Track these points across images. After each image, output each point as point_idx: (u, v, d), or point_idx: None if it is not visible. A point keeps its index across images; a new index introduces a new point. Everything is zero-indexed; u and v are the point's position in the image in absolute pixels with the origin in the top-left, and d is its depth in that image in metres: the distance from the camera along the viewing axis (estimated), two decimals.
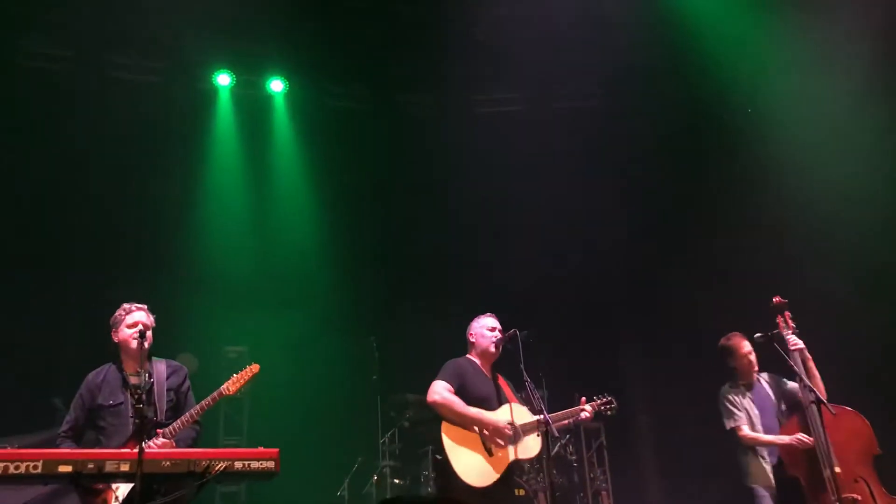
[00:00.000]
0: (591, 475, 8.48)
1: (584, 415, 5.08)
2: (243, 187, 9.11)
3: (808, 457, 4.94)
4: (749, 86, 8.38)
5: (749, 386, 5.53)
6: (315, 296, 8.83)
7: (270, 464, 3.78)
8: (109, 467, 3.57)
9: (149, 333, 4.43)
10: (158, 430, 4.30)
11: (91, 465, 3.55)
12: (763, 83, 8.22)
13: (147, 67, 8.81)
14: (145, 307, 4.65)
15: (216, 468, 3.65)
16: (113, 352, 4.61)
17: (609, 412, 5.22)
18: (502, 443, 4.80)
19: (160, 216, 8.64)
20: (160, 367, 4.56)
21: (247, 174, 9.17)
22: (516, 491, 5.48)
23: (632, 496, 8.73)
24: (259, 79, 9.18)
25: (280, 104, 9.34)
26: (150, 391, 4.39)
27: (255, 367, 4.65)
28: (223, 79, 8.90)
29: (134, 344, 4.42)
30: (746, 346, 5.53)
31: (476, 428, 4.84)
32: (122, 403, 4.41)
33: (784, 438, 5.12)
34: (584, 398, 5.18)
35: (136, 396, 3.87)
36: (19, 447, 4.08)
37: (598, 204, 9.19)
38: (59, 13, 8.08)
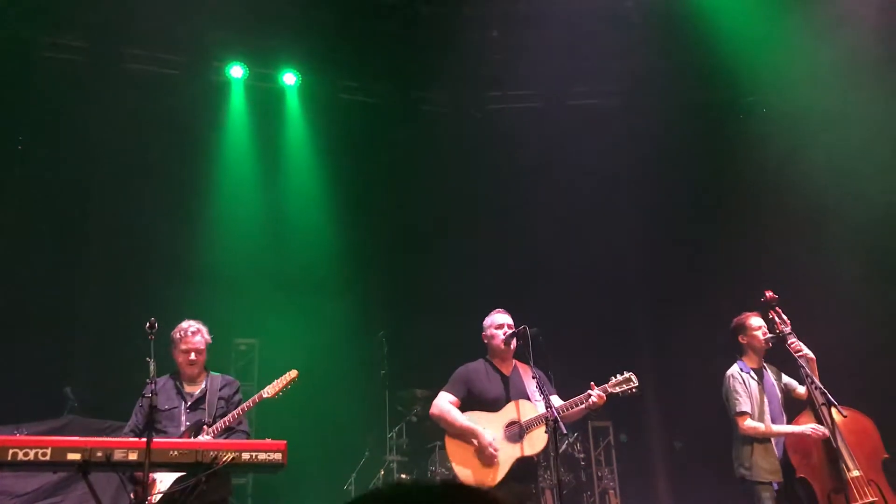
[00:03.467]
0: (599, 474, 8.46)
1: (592, 399, 4.63)
2: (255, 180, 9.11)
3: (819, 457, 4.85)
4: (766, 85, 8.41)
5: (759, 373, 5.23)
6: (325, 290, 8.82)
7: (278, 456, 3.82)
8: (118, 455, 3.61)
9: (202, 356, 4.95)
10: (205, 428, 4.73)
11: (100, 454, 3.59)
12: (781, 82, 8.22)
13: (161, 59, 8.83)
14: (202, 329, 5.00)
15: (224, 459, 3.69)
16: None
17: (630, 393, 4.67)
18: (493, 452, 4.72)
19: (172, 208, 8.64)
20: (216, 379, 5.04)
21: (258, 167, 9.17)
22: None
23: (640, 495, 8.69)
24: (272, 72, 9.18)
25: (293, 97, 9.34)
26: (202, 397, 4.90)
27: (293, 373, 5.04)
28: (236, 71, 8.89)
29: (187, 369, 4.95)
30: (759, 321, 5.25)
31: (472, 440, 4.79)
32: (176, 408, 4.86)
33: (797, 428, 4.93)
34: (593, 383, 4.76)
35: (150, 398, 4.02)
36: (29, 434, 4.12)
37: (614, 203, 9.16)
38: (73, 4, 8.11)
